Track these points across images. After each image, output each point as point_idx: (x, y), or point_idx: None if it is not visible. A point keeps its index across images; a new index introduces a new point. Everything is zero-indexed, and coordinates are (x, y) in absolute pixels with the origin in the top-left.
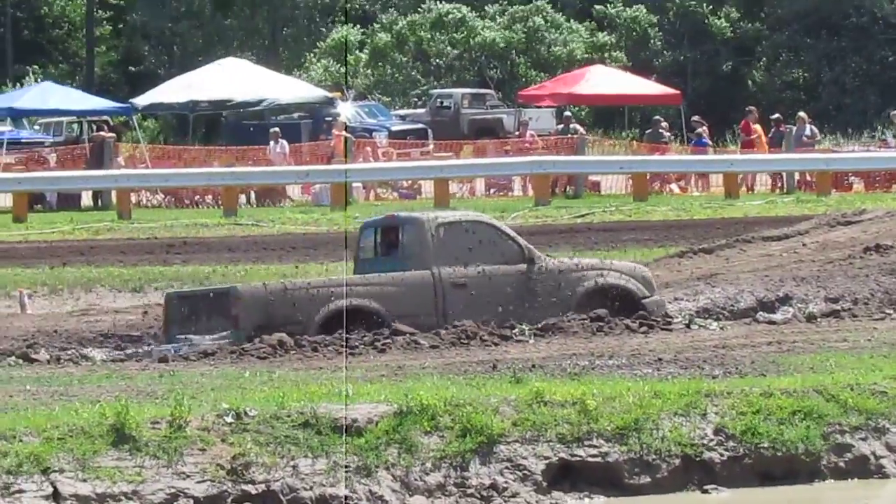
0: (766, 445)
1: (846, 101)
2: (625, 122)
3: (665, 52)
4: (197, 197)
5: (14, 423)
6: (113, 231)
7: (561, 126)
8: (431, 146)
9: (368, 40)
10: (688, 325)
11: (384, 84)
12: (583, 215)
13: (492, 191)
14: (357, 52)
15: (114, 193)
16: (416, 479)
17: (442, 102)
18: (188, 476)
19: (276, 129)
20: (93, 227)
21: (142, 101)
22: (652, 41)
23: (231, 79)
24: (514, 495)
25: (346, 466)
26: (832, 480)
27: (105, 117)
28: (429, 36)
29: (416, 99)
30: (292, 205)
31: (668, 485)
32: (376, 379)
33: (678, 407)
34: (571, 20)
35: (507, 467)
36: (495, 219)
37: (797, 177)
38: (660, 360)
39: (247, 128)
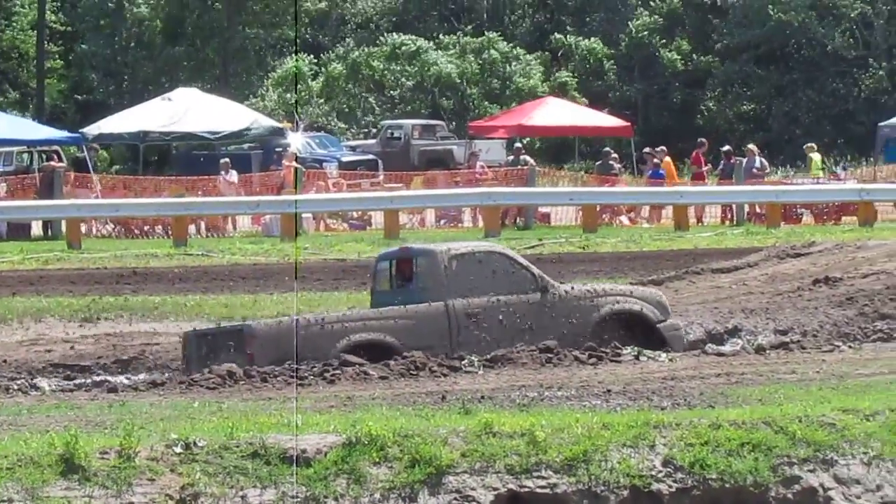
0: (714, 477)
1: (797, 133)
2: (575, 154)
3: (618, 84)
4: (147, 227)
5: None
6: (63, 261)
7: (511, 157)
8: (382, 177)
9: (322, 69)
10: (636, 357)
11: (337, 114)
12: (532, 246)
13: (442, 222)
14: (310, 81)
15: (63, 223)
16: None
17: (392, 133)
18: None
19: (227, 159)
20: (42, 256)
21: (92, 130)
22: (606, 74)
23: (181, 109)
24: None
25: (295, 497)
26: None
27: (55, 147)
28: (382, 66)
29: (366, 130)
30: (241, 235)
31: None
32: (325, 409)
33: (627, 438)
34: (525, 53)
35: (455, 498)
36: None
37: (747, 209)
38: (608, 391)
39: (197, 158)
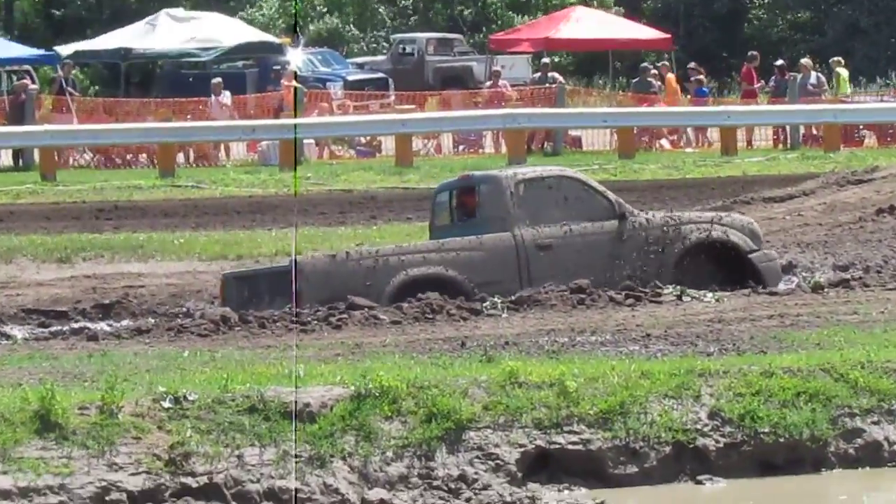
0: (766, 431)
1: (856, 45)
2: (609, 71)
3: None
4: (130, 156)
5: None
6: (36, 194)
7: (538, 75)
8: (392, 98)
9: None
10: (679, 297)
11: (342, 27)
12: None
13: (460, 147)
14: None
15: (36, 152)
16: (375, 470)
17: (404, 48)
18: (121, 468)
19: (218, 79)
20: (13, 189)
21: (67, 49)
22: None
23: (167, 28)
24: (486, 487)
25: (298, 456)
26: (840, 469)
27: (26, 67)
28: None
29: (374, 44)
30: (235, 164)
31: (658, 475)
32: (331, 358)
33: (668, 388)
34: None
35: (477, 456)
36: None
37: (802, 130)
38: (648, 335)
39: (185, 78)
